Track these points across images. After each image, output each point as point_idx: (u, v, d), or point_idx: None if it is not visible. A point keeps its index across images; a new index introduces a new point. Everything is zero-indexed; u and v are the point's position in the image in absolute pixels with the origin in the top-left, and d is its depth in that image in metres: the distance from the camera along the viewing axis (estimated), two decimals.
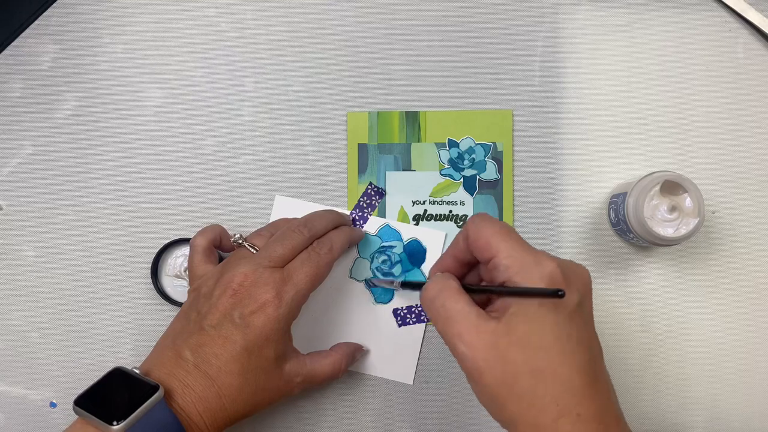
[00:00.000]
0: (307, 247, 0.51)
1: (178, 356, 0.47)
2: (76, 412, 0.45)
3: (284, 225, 0.53)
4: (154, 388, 0.44)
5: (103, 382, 0.46)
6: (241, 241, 0.52)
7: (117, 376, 0.46)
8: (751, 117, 0.59)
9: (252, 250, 0.51)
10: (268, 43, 0.59)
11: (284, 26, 0.59)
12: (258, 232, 0.54)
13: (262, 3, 0.59)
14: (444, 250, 0.58)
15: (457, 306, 0.40)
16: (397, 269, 0.58)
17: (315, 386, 0.54)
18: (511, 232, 0.41)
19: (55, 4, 0.59)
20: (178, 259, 0.58)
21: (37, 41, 0.59)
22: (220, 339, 0.47)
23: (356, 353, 0.56)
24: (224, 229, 0.55)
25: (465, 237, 0.43)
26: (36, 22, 0.59)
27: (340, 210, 0.58)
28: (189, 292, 0.52)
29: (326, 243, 0.52)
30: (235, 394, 0.47)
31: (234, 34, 0.59)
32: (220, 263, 0.52)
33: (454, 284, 0.42)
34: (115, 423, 0.43)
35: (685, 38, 0.59)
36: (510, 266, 0.40)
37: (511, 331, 0.38)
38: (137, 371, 0.46)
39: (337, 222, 0.55)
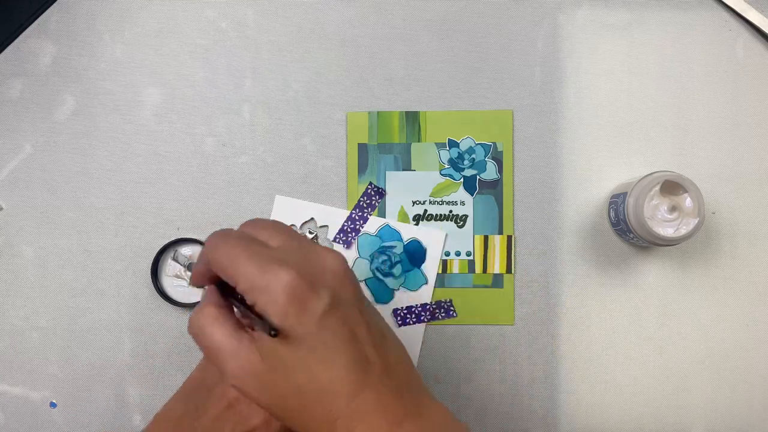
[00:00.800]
0: None
1: None
2: None
3: None
4: None
5: None
6: None
7: None
8: (751, 117, 0.59)
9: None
10: (268, 43, 0.59)
11: (284, 26, 0.59)
12: None
13: (262, 3, 0.59)
14: (444, 250, 0.58)
15: (216, 336, 0.39)
16: (397, 269, 0.58)
17: None
18: (245, 249, 0.38)
19: (55, 4, 0.59)
20: (181, 259, 0.58)
21: (37, 41, 0.59)
22: None
23: None
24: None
25: (206, 264, 0.41)
26: (36, 22, 0.59)
27: (336, 208, 0.58)
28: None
29: None
30: None
31: (234, 34, 0.59)
32: None
33: (212, 310, 0.40)
34: None
35: (685, 38, 0.59)
36: (249, 290, 0.38)
37: (265, 357, 0.38)
38: None
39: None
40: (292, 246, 0.40)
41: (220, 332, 0.39)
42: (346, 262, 0.40)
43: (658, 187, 0.53)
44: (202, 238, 0.58)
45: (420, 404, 0.40)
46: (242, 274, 0.38)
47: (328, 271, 0.39)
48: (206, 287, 0.43)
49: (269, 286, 0.37)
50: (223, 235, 0.40)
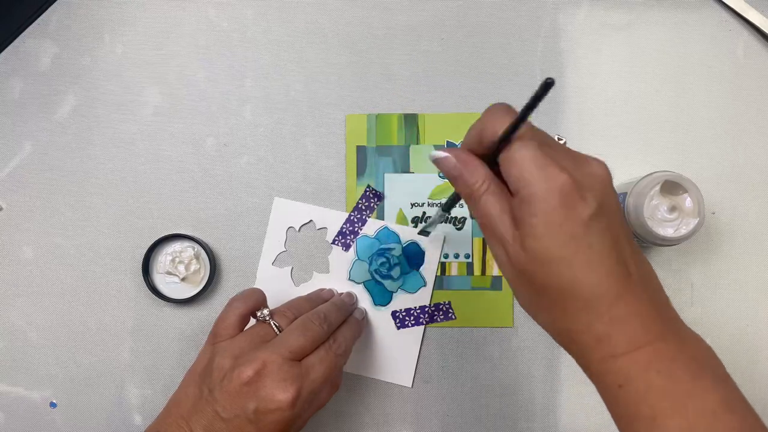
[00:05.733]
0: (324, 342, 0.50)
1: None
2: None
3: (304, 306, 0.52)
4: None
5: None
6: (267, 318, 0.51)
7: None
8: (750, 117, 0.59)
9: (276, 330, 0.50)
10: (268, 44, 0.59)
11: (284, 27, 0.59)
12: (282, 312, 0.52)
13: (262, 4, 0.59)
14: (442, 252, 0.58)
15: (493, 210, 0.40)
16: (395, 271, 0.58)
17: None
18: (530, 136, 0.39)
19: (55, 4, 0.59)
20: (168, 256, 0.58)
21: (37, 41, 0.59)
22: (234, 429, 0.46)
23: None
24: (265, 298, 0.53)
25: (480, 137, 0.41)
26: (36, 22, 0.59)
27: (335, 210, 0.58)
28: (207, 342, 0.51)
29: (341, 343, 0.51)
30: None
31: (234, 34, 0.59)
32: (242, 333, 0.50)
33: (497, 194, 0.40)
34: None
35: (685, 38, 0.59)
36: (519, 179, 0.39)
37: (527, 250, 0.39)
38: None
39: (349, 312, 0.55)
40: (564, 149, 0.40)
41: (501, 208, 0.40)
42: (609, 171, 0.40)
43: (658, 187, 0.52)
44: (203, 237, 0.58)
45: (677, 326, 0.41)
46: (519, 160, 0.39)
47: (596, 178, 0.39)
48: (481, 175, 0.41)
49: (540, 184, 0.38)
50: (507, 112, 0.41)
